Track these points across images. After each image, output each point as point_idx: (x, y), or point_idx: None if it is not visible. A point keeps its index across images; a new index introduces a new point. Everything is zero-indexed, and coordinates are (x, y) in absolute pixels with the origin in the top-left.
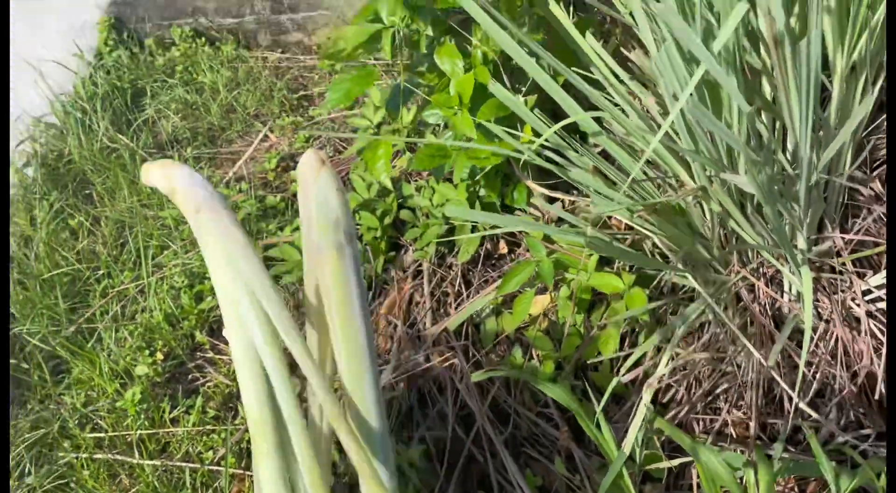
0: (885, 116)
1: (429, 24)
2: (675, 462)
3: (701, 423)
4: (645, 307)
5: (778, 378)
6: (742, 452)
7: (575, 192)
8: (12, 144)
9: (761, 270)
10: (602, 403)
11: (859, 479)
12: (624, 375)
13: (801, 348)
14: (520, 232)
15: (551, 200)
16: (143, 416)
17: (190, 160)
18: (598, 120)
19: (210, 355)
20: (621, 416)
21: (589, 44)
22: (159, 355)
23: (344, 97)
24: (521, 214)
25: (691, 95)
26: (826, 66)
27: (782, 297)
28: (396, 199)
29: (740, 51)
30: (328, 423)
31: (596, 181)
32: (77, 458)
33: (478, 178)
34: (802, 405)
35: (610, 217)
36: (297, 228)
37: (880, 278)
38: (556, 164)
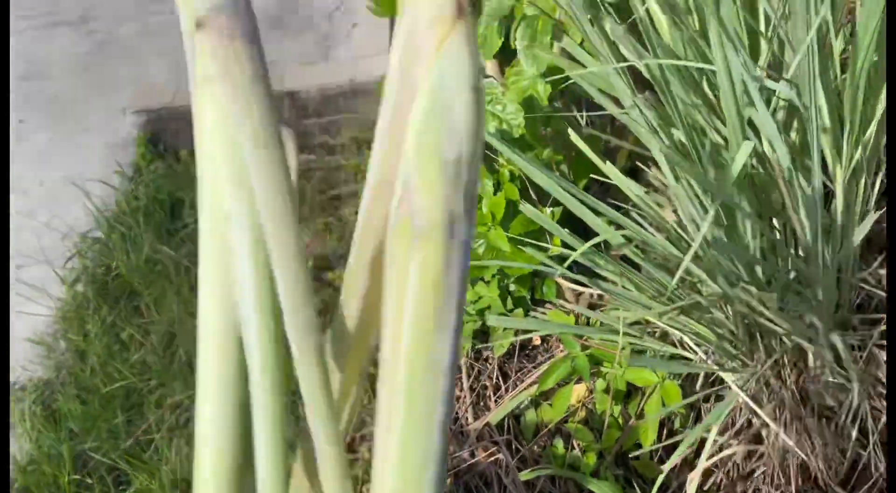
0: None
1: None
2: None
3: None
4: (680, 402)
5: (807, 459)
6: None
7: (601, 281)
8: (63, 259)
9: (785, 357)
10: None
11: None
12: (665, 464)
13: (830, 423)
14: None
15: (580, 295)
16: None
17: None
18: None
19: None
20: None
21: (609, 171)
22: None
23: None
24: (551, 308)
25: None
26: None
27: (809, 375)
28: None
29: (748, 170)
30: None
31: (624, 290)
32: None
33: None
34: (836, 488)
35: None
36: None
37: None
38: (585, 273)
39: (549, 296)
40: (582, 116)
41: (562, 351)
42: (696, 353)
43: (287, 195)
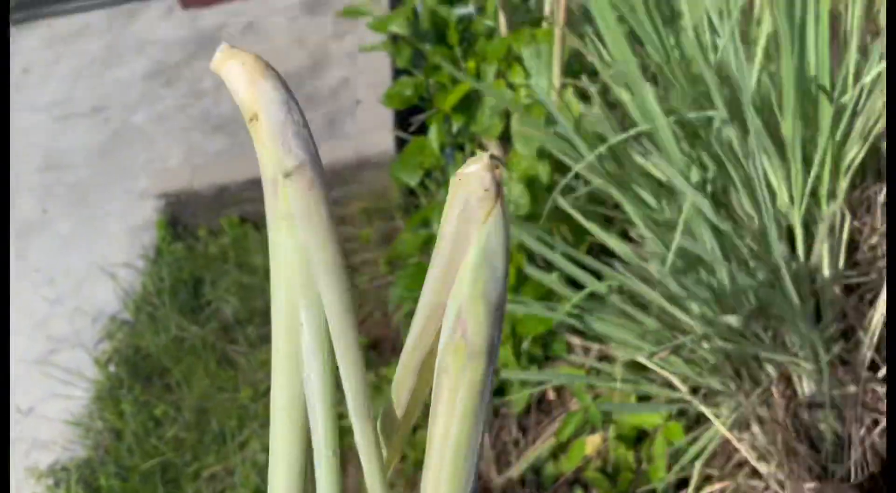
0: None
1: None
2: None
3: None
4: (683, 438)
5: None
6: None
7: (605, 335)
8: (94, 342)
9: (772, 388)
10: None
11: None
12: None
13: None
14: None
15: (588, 349)
16: None
17: (253, 339)
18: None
19: None
20: None
21: (596, 232)
22: None
23: (406, 291)
24: (563, 363)
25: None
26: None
27: (798, 403)
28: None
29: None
30: None
31: (620, 333)
32: None
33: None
34: None
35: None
36: None
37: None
38: (592, 331)
39: (559, 352)
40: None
41: (575, 404)
42: (683, 391)
43: (351, 312)
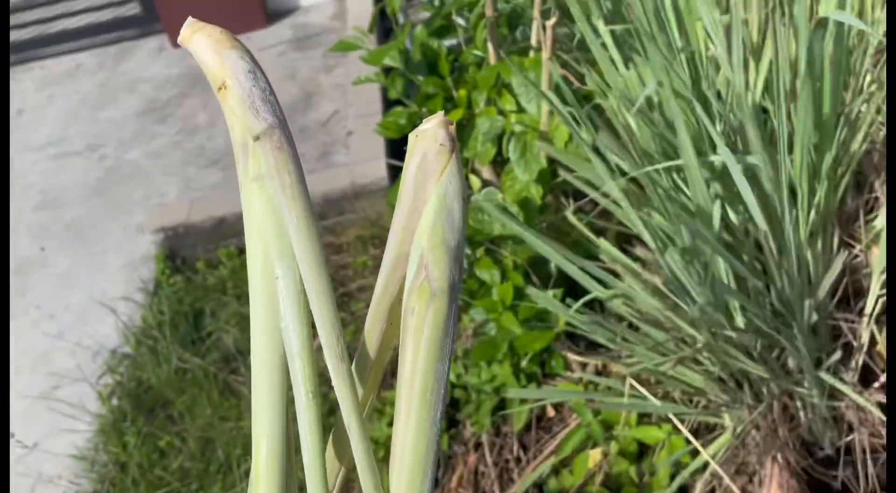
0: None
1: (467, 245)
2: None
3: None
4: (683, 449)
5: None
6: None
7: (603, 350)
8: (96, 376)
9: (773, 403)
10: None
11: None
12: None
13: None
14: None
15: (585, 365)
16: None
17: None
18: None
19: None
20: None
21: (602, 244)
22: None
23: None
24: (561, 380)
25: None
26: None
27: (799, 418)
28: (449, 381)
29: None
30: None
31: (624, 346)
32: None
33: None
34: None
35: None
36: None
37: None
38: (589, 348)
39: (557, 369)
40: (570, 206)
41: (575, 420)
42: (690, 405)
43: (321, 261)
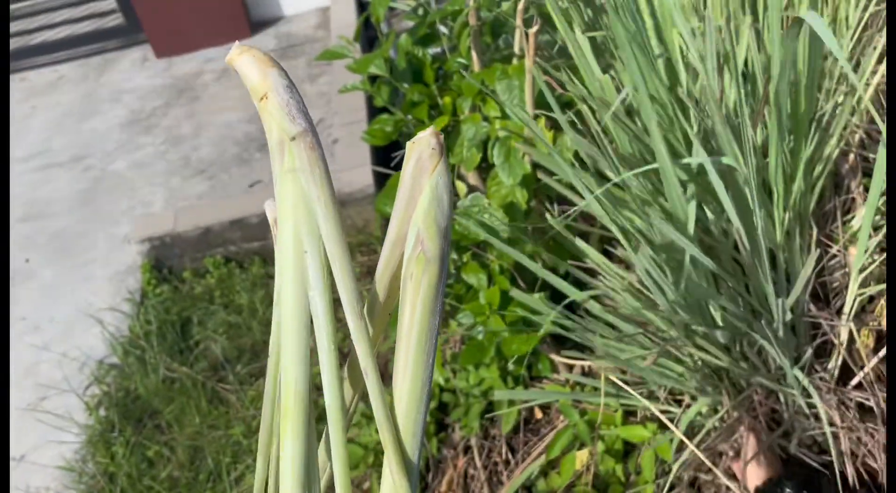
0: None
1: (454, 250)
2: None
3: None
4: (670, 455)
5: None
6: None
7: (588, 351)
8: (83, 386)
9: (755, 397)
10: None
11: None
12: None
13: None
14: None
15: (571, 367)
16: None
17: (242, 377)
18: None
19: None
20: None
21: (582, 245)
22: None
23: (392, 321)
24: (548, 383)
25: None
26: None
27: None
28: (437, 384)
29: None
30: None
31: (601, 344)
32: None
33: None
34: None
35: (625, 371)
36: (356, 425)
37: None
38: (575, 349)
39: (544, 371)
40: (554, 209)
41: (563, 421)
42: (674, 404)
43: (342, 239)
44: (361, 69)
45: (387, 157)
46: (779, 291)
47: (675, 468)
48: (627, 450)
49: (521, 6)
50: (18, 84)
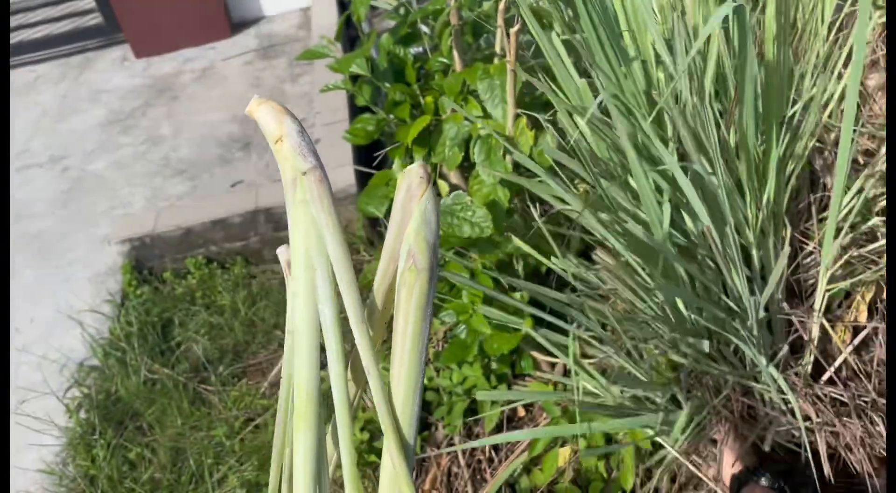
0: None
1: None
2: None
3: None
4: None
5: None
6: None
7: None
8: (64, 389)
9: (734, 396)
10: None
11: None
12: None
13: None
14: None
15: (554, 364)
16: None
17: (224, 378)
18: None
19: None
20: None
21: (562, 257)
22: None
23: None
24: (531, 380)
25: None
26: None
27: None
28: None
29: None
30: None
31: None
32: None
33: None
34: None
35: (604, 370)
36: None
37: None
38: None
39: (527, 369)
40: (536, 209)
41: (545, 418)
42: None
43: (346, 257)
44: (343, 69)
45: (369, 156)
46: (754, 289)
47: (656, 473)
48: (609, 445)
49: (501, 6)
50: None
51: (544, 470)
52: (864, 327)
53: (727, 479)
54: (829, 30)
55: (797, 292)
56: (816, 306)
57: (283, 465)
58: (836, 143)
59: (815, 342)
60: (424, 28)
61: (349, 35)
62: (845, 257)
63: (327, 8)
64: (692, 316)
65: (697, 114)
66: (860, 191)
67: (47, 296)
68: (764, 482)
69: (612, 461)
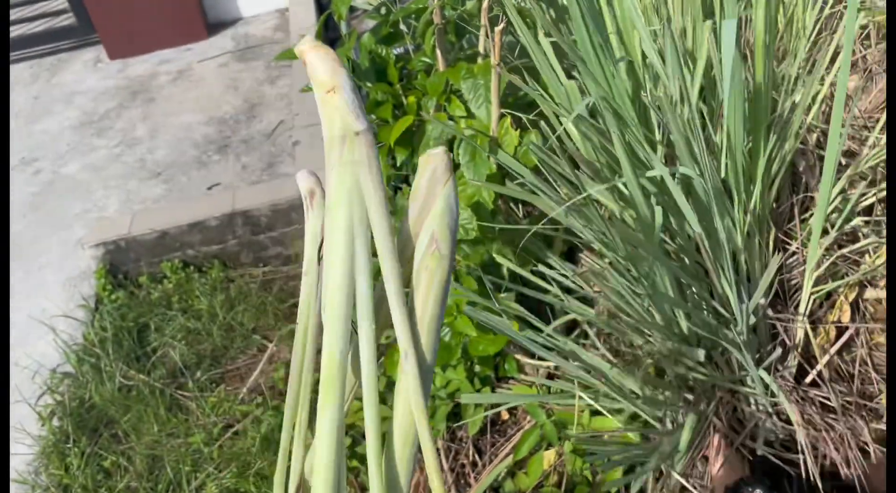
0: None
1: None
2: None
3: None
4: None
5: None
6: None
7: (555, 352)
8: (36, 396)
9: (722, 401)
10: None
11: None
12: None
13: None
14: None
15: (538, 367)
16: None
17: (202, 383)
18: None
19: None
20: None
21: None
22: None
23: None
24: (515, 383)
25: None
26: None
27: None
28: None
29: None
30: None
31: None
32: None
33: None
34: None
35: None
36: None
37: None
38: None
39: (510, 372)
40: (520, 210)
41: (529, 422)
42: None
43: (391, 231)
44: None
45: None
46: (741, 293)
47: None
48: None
49: (485, 5)
50: None
51: (529, 474)
52: (847, 327)
53: (719, 490)
54: (812, 31)
55: (780, 293)
56: (802, 309)
57: (296, 427)
58: (818, 144)
59: (801, 345)
60: (404, 28)
61: (328, 37)
62: (831, 258)
63: (305, 9)
64: (684, 323)
65: (685, 117)
66: (843, 191)
67: (19, 301)
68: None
69: (598, 463)
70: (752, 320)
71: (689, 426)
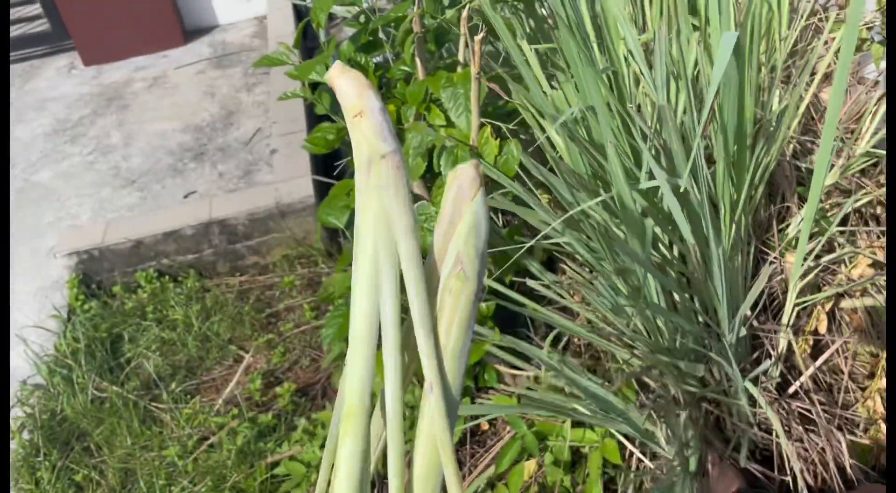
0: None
1: None
2: None
3: None
4: (618, 459)
5: None
6: None
7: (535, 361)
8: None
9: (704, 407)
10: None
11: None
12: None
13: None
14: None
15: (516, 377)
16: None
17: (177, 395)
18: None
19: None
20: None
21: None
22: None
23: (339, 332)
24: (494, 393)
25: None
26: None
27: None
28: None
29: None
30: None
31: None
32: None
33: None
34: None
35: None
36: (298, 442)
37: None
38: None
39: (490, 382)
40: (499, 219)
41: (509, 432)
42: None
43: (418, 258)
44: (302, 76)
45: (328, 166)
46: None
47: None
48: (575, 460)
49: (465, 14)
50: None
51: (510, 485)
52: (823, 337)
53: None
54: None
55: (759, 301)
56: (785, 320)
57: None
58: (794, 155)
59: (783, 356)
60: (383, 36)
61: (307, 46)
62: (815, 270)
63: (284, 17)
64: (677, 338)
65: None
66: (820, 201)
67: None
68: None
69: (578, 475)
70: (743, 332)
71: (695, 445)
